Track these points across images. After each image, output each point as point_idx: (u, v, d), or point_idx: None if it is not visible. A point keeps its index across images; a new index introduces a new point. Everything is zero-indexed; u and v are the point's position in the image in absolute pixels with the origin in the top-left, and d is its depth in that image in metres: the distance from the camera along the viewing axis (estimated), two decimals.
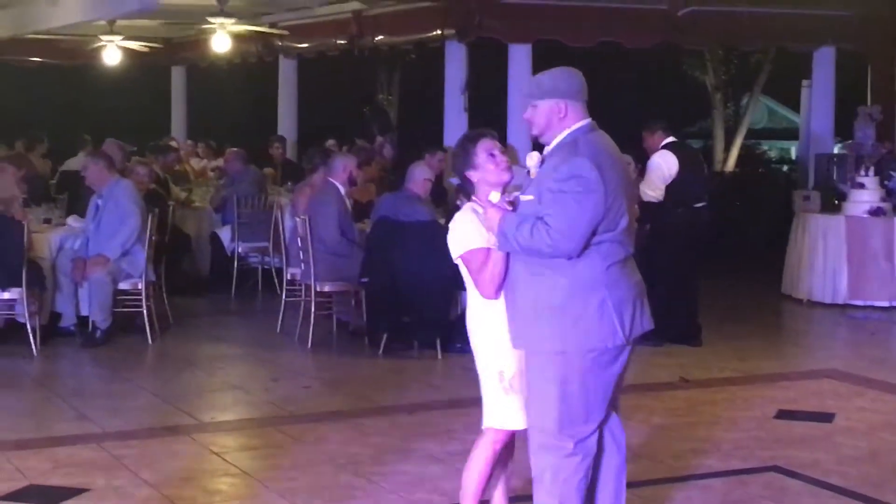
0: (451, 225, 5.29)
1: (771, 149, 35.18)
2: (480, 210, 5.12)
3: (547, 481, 4.99)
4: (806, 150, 23.89)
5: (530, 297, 4.92)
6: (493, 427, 5.30)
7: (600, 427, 5.05)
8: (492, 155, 5.19)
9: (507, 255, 4.98)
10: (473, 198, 5.25)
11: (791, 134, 37.02)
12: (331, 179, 10.71)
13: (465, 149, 5.27)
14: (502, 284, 5.04)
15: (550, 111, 4.95)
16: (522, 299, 4.95)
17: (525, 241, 4.80)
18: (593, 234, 4.78)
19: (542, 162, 4.98)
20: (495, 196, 5.08)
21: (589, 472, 5.04)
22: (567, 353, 4.86)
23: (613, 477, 5.21)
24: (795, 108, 34.68)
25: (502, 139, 5.52)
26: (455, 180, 12.24)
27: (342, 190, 10.60)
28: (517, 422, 5.22)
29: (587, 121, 4.98)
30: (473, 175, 5.23)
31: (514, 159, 7.54)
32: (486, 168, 5.19)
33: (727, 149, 27.33)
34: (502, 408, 5.22)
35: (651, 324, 5.04)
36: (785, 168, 29.29)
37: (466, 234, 5.15)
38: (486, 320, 5.19)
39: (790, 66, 25.29)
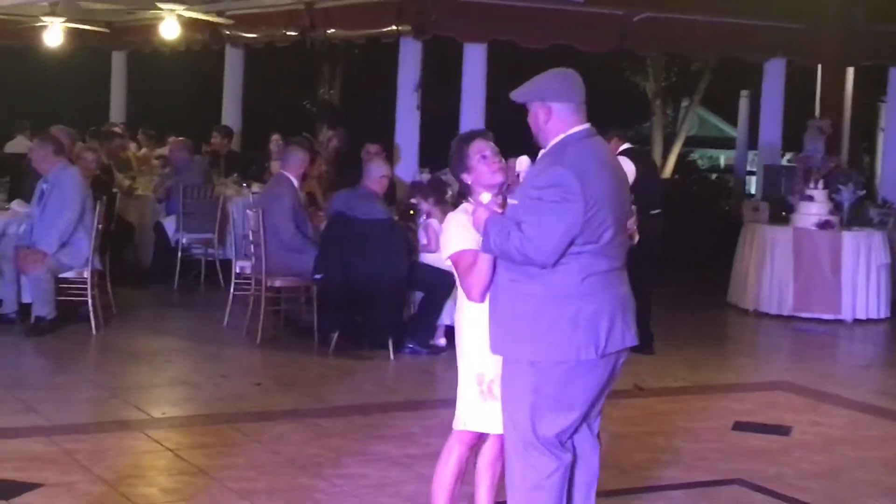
0: (443, 225, 5.25)
1: (701, 157, 35.49)
2: None
3: (519, 488, 4.90)
4: (742, 160, 24.17)
5: (508, 303, 4.82)
6: (463, 429, 5.23)
7: (574, 439, 4.94)
8: (484, 157, 5.10)
9: (495, 259, 4.86)
10: (469, 199, 5.16)
11: (720, 143, 37.45)
12: (284, 172, 10.55)
13: (458, 151, 5.17)
14: (488, 288, 4.94)
15: (536, 115, 4.83)
16: (501, 305, 4.85)
17: (501, 245, 4.70)
18: (571, 244, 4.64)
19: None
20: (486, 197, 5.00)
21: (564, 482, 4.92)
22: (538, 363, 4.75)
23: (583, 495, 5.10)
24: (726, 117, 35.11)
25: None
26: (419, 180, 12.20)
27: (296, 183, 10.45)
28: (489, 426, 5.15)
29: (583, 126, 4.82)
30: (467, 177, 5.15)
31: None
32: (479, 170, 5.10)
33: (664, 156, 27.49)
34: (476, 411, 5.14)
35: (634, 340, 4.88)
36: (714, 176, 29.55)
37: (457, 234, 5.07)
38: (470, 322, 5.11)
39: (723, 75, 25.54)
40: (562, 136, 4.79)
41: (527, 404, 4.80)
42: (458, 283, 5.11)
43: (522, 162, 5.00)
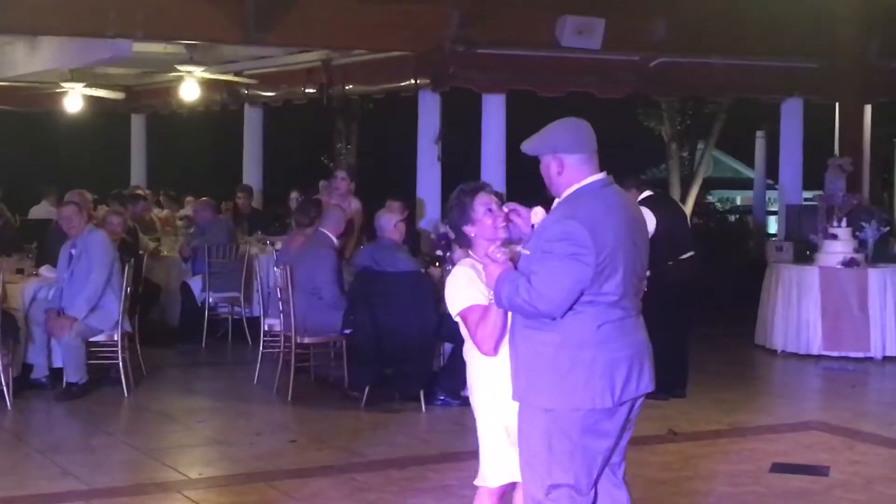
0: (447, 280, 5.13)
1: (720, 200, 35.50)
2: (479, 266, 4.97)
3: None
4: (761, 200, 24.17)
5: (526, 351, 4.79)
6: (491, 485, 5.15)
7: (597, 488, 4.87)
8: (490, 210, 5.06)
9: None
10: (471, 252, 5.12)
11: (735, 183, 37.44)
12: (324, 230, 10.59)
13: (461, 202, 5.12)
14: (501, 341, 4.91)
15: (548, 167, 4.82)
16: (521, 353, 4.82)
17: (512, 300, 4.68)
18: (582, 294, 4.62)
19: None
20: (496, 250, 4.89)
21: None
22: (555, 410, 4.72)
23: None
24: (741, 157, 35.11)
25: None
26: (445, 231, 12.21)
27: (335, 242, 10.53)
28: (517, 474, 5.06)
29: (598, 176, 4.79)
30: (471, 230, 5.09)
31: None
32: (484, 223, 5.07)
33: (683, 199, 27.48)
34: (504, 462, 5.07)
35: (650, 386, 4.86)
36: (732, 218, 29.52)
37: (463, 290, 5.01)
38: (486, 375, 5.05)
39: (737, 116, 25.57)
40: (575, 186, 4.78)
41: (543, 453, 4.76)
42: (468, 338, 5.04)
43: (538, 213, 4.96)
